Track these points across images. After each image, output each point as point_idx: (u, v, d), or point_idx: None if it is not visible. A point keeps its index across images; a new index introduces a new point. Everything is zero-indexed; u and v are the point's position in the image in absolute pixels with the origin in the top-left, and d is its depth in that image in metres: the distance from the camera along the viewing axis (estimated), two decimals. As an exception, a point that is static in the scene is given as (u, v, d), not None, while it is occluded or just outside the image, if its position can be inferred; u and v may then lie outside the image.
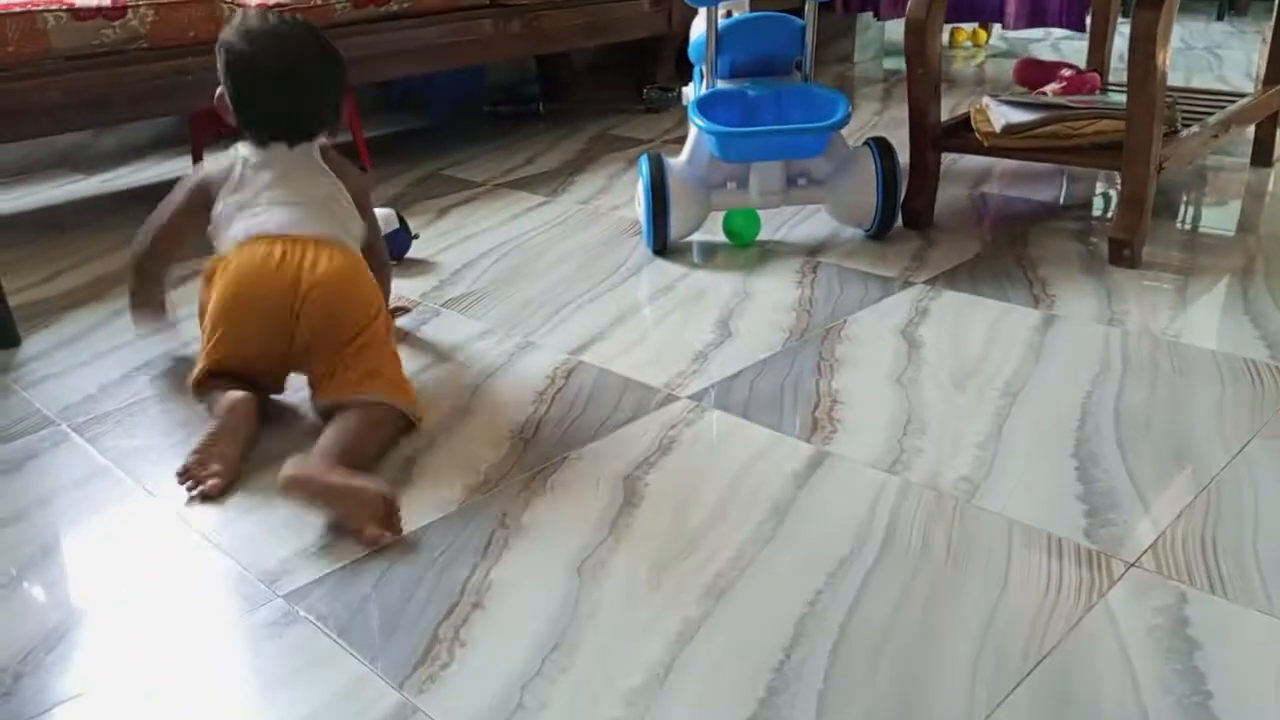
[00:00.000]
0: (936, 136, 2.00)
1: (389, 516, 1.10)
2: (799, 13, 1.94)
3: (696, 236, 1.99)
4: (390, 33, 2.49)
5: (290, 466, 1.11)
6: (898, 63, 3.97)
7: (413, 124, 3.28)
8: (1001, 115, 1.93)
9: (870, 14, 3.88)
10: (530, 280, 1.85)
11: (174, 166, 2.76)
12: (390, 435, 1.30)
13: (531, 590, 1.01)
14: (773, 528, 1.09)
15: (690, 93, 2.08)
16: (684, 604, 0.98)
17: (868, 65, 3.97)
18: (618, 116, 3.20)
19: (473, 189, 2.47)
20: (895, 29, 4.22)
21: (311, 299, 1.30)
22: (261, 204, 1.38)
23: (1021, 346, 1.49)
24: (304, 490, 1.11)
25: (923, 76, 1.94)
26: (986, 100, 2.03)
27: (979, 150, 1.97)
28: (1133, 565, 1.01)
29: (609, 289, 1.79)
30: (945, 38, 4.15)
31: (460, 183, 2.53)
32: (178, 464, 1.24)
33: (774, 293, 1.74)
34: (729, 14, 1.96)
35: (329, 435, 1.22)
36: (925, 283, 1.75)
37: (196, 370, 1.35)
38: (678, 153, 1.95)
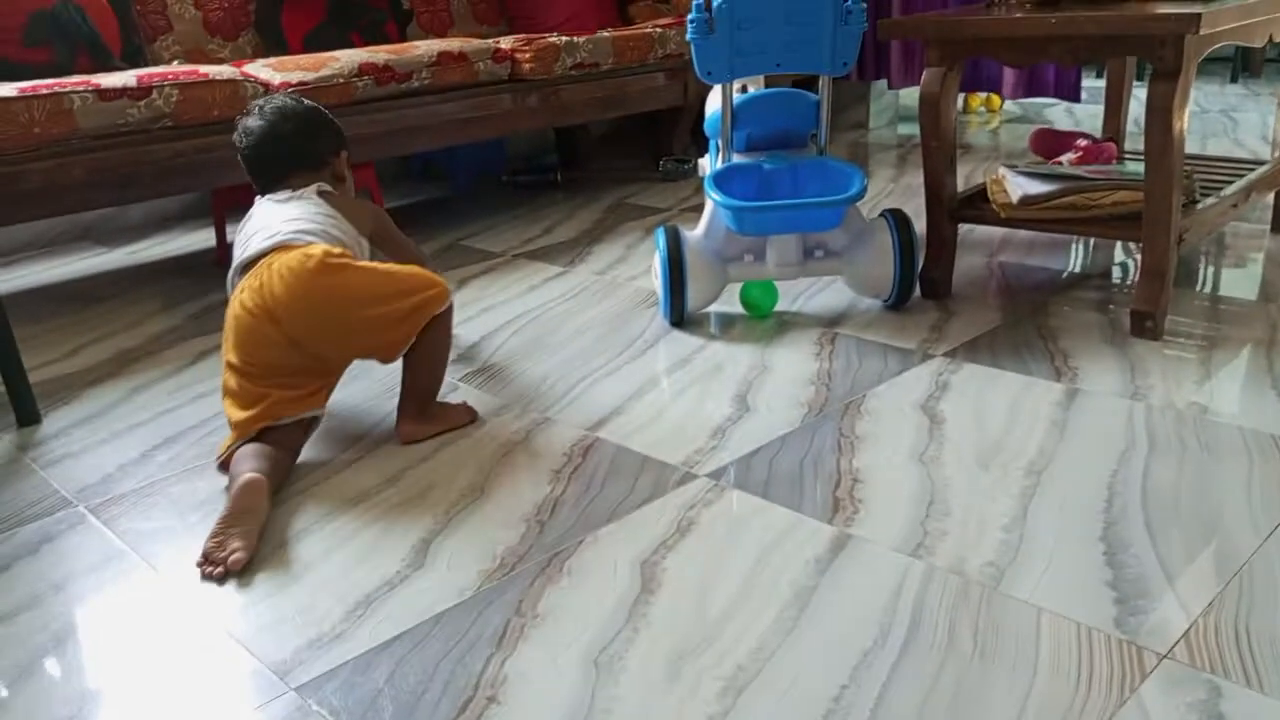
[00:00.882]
0: (953, 208, 2.01)
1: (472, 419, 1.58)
2: (810, 85, 1.96)
3: (714, 308, 1.99)
4: (412, 109, 2.53)
5: (402, 433, 1.52)
6: (912, 128, 4.00)
7: (433, 194, 3.33)
8: (1018, 186, 1.93)
9: (885, 81, 3.92)
10: (548, 353, 1.85)
11: (198, 239, 2.80)
12: (444, 335, 1.53)
13: (548, 684, 0.99)
14: (794, 617, 1.07)
15: (706, 164, 2.10)
16: (704, 699, 0.95)
17: (882, 132, 4.00)
18: (634, 185, 3.23)
19: (491, 259, 2.49)
20: (909, 95, 4.26)
21: (288, 319, 1.42)
22: (239, 244, 1.56)
23: (1045, 422, 1.47)
24: (416, 440, 1.51)
25: (937, 149, 1.95)
26: (1003, 171, 2.03)
27: (996, 221, 1.97)
28: (1165, 657, 0.99)
29: (626, 362, 1.79)
30: (959, 103, 4.18)
31: (479, 253, 2.55)
32: (194, 546, 1.23)
33: (792, 366, 1.73)
34: (744, 89, 1.98)
35: (405, 383, 1.54)
36: (945, 355, 1.74)
37: (228, 442, 1.41)
38: (693, 222, 1.96)
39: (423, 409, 1.55)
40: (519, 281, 2.30)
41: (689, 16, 1.80)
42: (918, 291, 1.98)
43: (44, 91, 2.01)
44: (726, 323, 1.95)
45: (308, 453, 1.49)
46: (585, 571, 1.17)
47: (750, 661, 1.00)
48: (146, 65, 2.55)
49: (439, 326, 1.51)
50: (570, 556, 1.20)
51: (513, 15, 3.39)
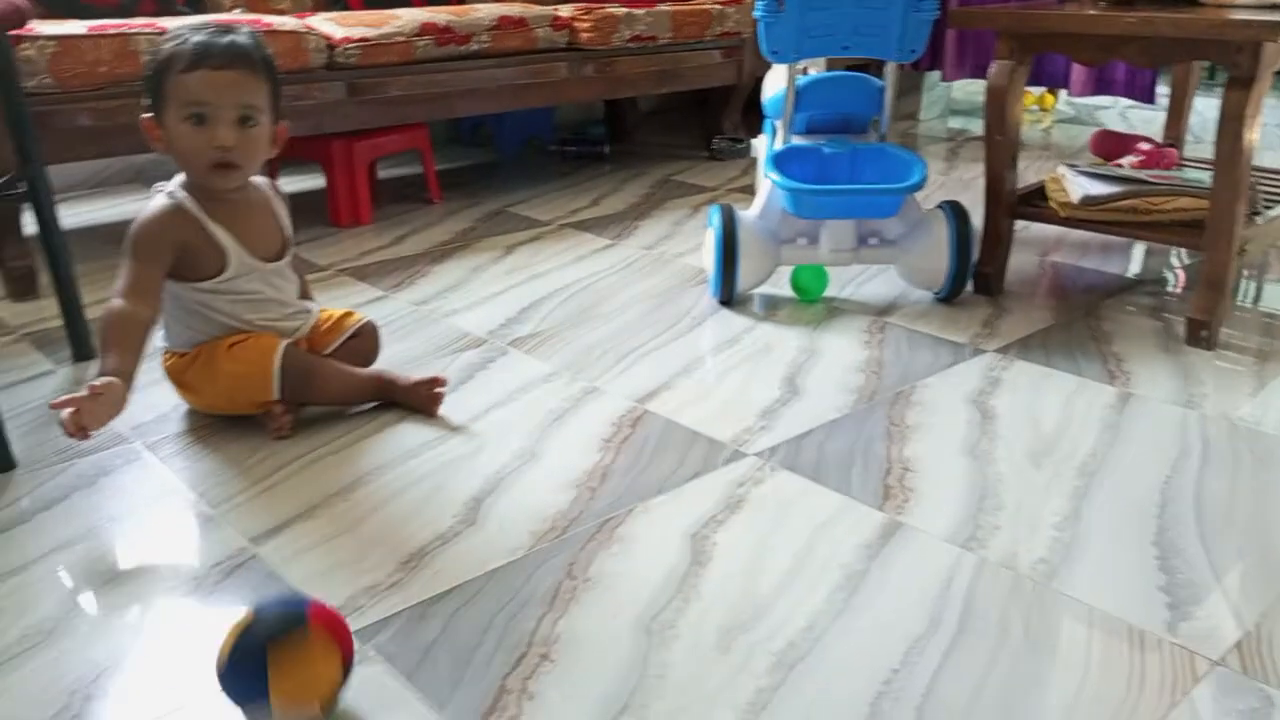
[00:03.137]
0: (1012, 203, 1.99)
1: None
2: (865, 70, 1.94)
3: (762, 289, 1.99)
4: (469, 71, 2.53)
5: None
6: (963, 122, 3.97)
7: (482, 158, 3.33)
8: (1079, 187, 1.92)
9: (938, 72, 3.89)
10: (596, 324, 1.85)
11: (246, 188, 2.81)
12: (306, 381, 1.47)
13: (600, 646, 1.00)
14: (845, 599, 1.07)
15: (760, 145, 2.09)
16: (755, 673, 0.96)
17: (933, 124, 3.97)
18: (682, 162, 3.22)
19: (539, 227, 2.49)
20: (960, 88, 4.22)
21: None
22: None
23: (1097, 424, 1.46)
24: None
25: (1001, 144, 1.93)
26: (1063, 170, 2.02)
27: (1055, 220, 1.96)
28: (1217, 664, 0.98)
29: (675, 337, 1.79)
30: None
31: (527, 220, 2.55)
32: (249, 487, 1.25)
33: (842, 352, 1.73)
34: (805, 71, 1.97)
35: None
36: (997, 351, 1.73)
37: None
38: (741, 202, 1.96)
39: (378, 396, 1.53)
40: (566, 251, 2.30)
41: (760, -6, 1.79)
42: (970, 286, 1.97)
43: (111, 31, 2.02)
44: (774, 305, 1.95)
45: (356, 407, 1.50)
46: (636, 540, 1.18)
47: (801, 639, 1.01)
48: (208, 13, 2.55)
49: (301, 381, 1.45)
50: (620, 524, 1.21)
51: (570, -16, 3.37)
